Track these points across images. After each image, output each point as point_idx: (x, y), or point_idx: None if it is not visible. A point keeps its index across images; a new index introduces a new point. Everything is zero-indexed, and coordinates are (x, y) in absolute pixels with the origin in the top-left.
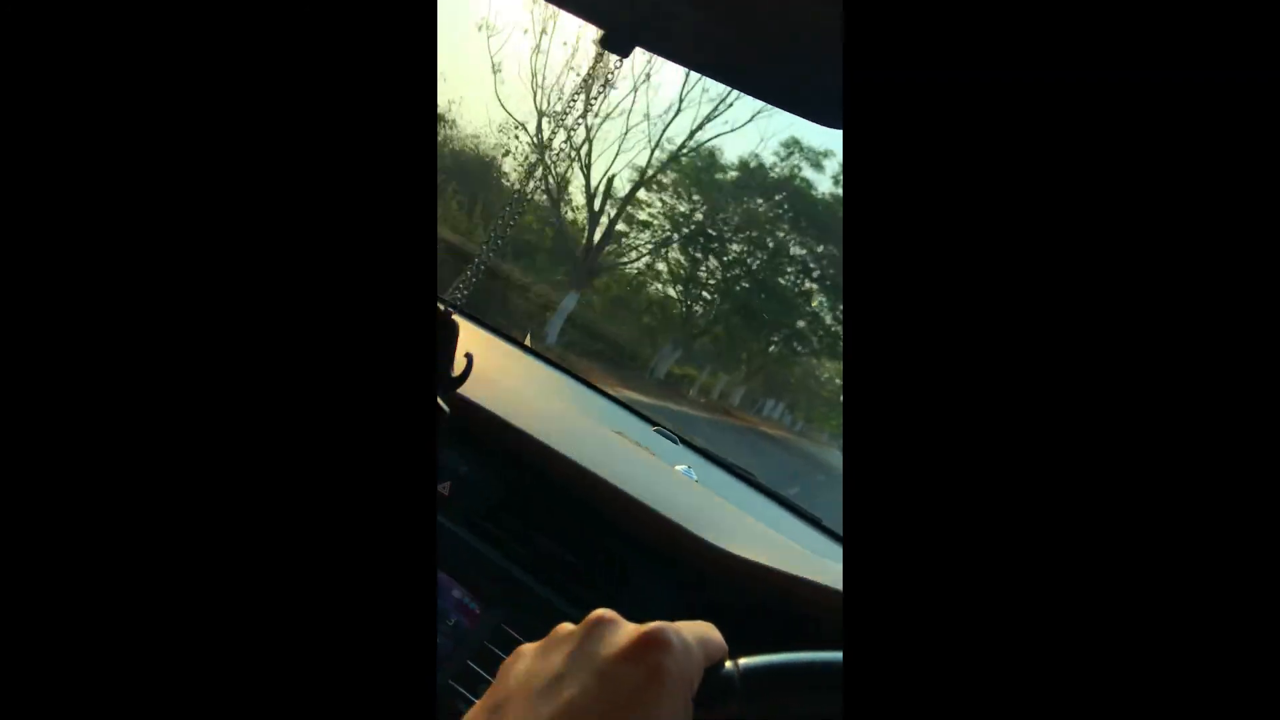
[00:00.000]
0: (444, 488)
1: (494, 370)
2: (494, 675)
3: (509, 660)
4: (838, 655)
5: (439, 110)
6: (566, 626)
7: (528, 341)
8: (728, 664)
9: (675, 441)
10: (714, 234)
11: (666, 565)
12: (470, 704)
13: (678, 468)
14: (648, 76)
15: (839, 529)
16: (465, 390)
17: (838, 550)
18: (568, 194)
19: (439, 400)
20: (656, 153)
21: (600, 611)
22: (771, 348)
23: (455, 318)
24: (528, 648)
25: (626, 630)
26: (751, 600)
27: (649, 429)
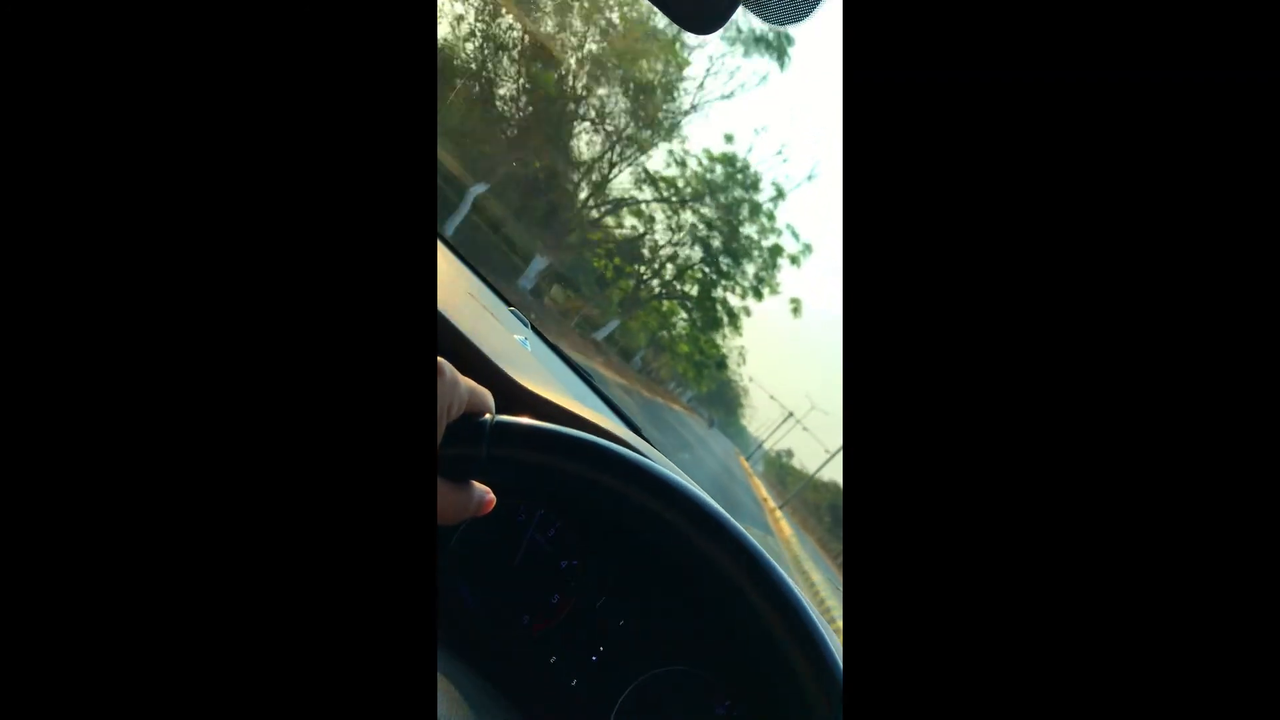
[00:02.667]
0: None
1: None
2: None
3: None
4: (585, 435)
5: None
6: None
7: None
8: (487, 415)
9: (525, 324)
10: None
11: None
12: None
13: (515, 336)
14: None
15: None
16: None
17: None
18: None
19: None
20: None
21: None
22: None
23: None
24: None
25: None
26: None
27: (505, 308)
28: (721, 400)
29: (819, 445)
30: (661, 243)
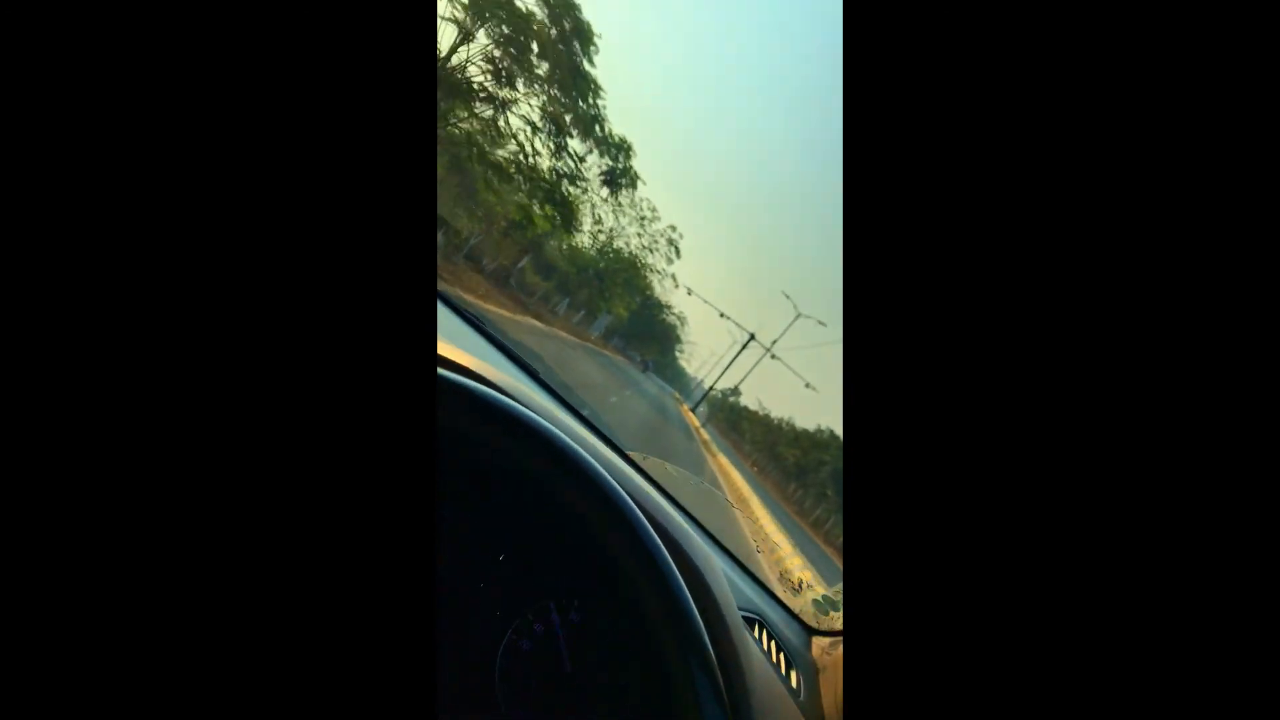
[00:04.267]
0: None
1: None
2: None
3: None
4: (536, 418)
5: None
6: None
7: None
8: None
9: None
10: None
11: None
12: None
13: None
14: None
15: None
16: None
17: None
18: None
19: None
20: None
21: None
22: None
23: None
24: None
25: None
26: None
27: None
28: (651, 331)
29: (798, 380)
30: None
